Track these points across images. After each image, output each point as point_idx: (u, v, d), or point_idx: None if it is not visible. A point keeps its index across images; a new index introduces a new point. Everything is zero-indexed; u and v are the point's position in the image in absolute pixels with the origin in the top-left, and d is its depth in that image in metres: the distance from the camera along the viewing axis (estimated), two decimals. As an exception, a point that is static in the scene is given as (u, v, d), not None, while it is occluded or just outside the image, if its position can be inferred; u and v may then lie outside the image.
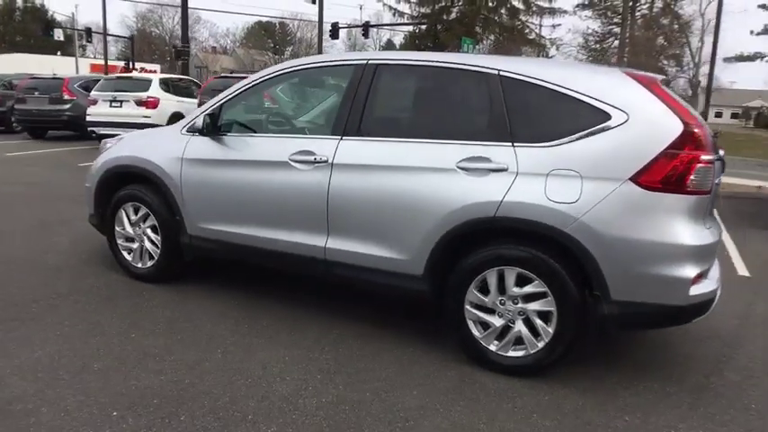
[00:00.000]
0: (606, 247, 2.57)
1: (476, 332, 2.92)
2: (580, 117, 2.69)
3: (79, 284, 3.91)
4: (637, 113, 2.61)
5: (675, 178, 2.52)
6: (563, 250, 2.67)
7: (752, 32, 31.65)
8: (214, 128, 3.45)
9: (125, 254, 4.08)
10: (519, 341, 2.84)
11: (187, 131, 3.71)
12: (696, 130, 2.57)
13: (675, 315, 2.62)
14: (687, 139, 2.54)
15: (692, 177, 2.53)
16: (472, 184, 2.80)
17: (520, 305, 2.80)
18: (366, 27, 33.51)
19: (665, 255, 2.53)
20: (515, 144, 2.76)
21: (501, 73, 2.88)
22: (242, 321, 3.40)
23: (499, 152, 2.78)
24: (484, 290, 2.87)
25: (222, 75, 15.05)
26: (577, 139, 2.66)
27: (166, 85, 11.57)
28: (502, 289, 2.82)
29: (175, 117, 11.60)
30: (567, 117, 2.72)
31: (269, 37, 63.23)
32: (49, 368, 2.77)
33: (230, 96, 3.59)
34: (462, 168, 2.83)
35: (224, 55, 62.46)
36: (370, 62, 3.21)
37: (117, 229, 4.06)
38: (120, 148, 4.04)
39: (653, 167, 2.54)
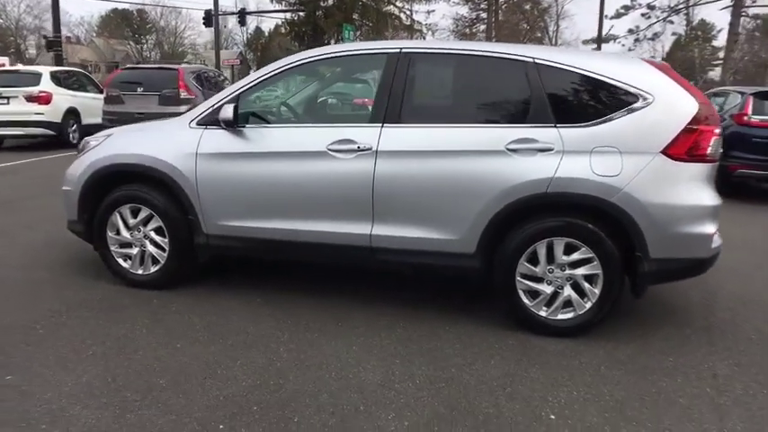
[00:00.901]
0: (646, 213, 2.93)
1: (526, 300, 3.16)
2: (613, 99, 3.02)
3: (72, 298, 3.52)
4: (660, 95, 2.99)
5: (697, 150, 2.95)
6: (608, 218, 3.00)
7: (606, 16, 35.57)
8: (236, 119, 3.28)
9: (120, 261, 3.72)
10: (567, 304, 3.13)
11: (198, 124, 3.47)
12: (707, 108, 3.01)
13: (699, 266, 3.08)
14: (702, 116, 2.97)
15: (709, 148, 2.98)
16: (522, 163, 3.01)
17: (568, 272, 3.08)
18: (242, 14, 32.23)
19: (693, 215, 2.96)
20: (558, 125, 3.03)
21: (536, 60, 3.11)
22: (282, 318, 3.31)
23: (544, 133, 3.02)
24: (533, 261, 3.11)
25: (129, 66, 13.66)
26: (613, 118, 2.99)
27: (57, 79, 10.26)
28: (550, 258, 3.09)
29: (71, 113, 10.40)
30: (602, 99, 3.04)
31: (127, 26, 58.06)
32: (109, 392, 2.52)
33: (249, 86, 3.43)
34: (511, 150, 3.03)
35: (80, 45, 56.17)
36: (403, 51, 3.26)
37: (110, 234, 3.69)
38: (111, 146, 3.65)
39: (678, 141, 2.94)
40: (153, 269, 3.67)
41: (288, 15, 35.94)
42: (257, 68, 25.60)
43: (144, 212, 3.58)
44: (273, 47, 46.84)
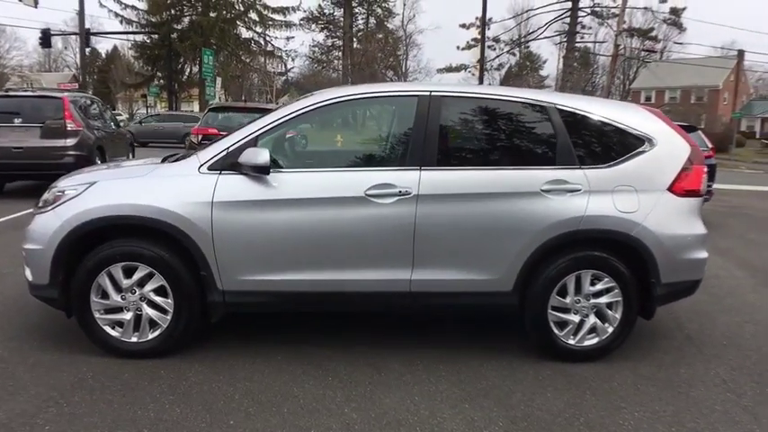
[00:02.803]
0: (660, 244, 3.30)
1: (556, 331, 3.35)
2: (625, 143, 3.38)
3: (59, 379, 2.92)
4: (661, 138, 3.42)
5: (692, 186, 3.42)
6: (627, 250, 3.32)
7: (458, 47, 38.89)
8: (271, 165, 3.01)
9: (107, 329, 3.16)
10: (591, 331, 3.39)
11: (210, 170, 3.12)
12: (695, 149, 3.52)
13: (696, 286, 3.54)
14: (693, 157, 3.46)
15: (701, 184, 3.47)
16: (556, 204, 3.22)
17: (592, 301, 3.34)
18: (87, 35, 29.26)
19: (694, 243, 3.41)
20: (583, 167, 3.30)
21: (557, 106, 3.38)
22: (319, 375, 3.09)
23: (573, 175, 3.27)
24: (561, 293, 3.33)
25: (1, 93, 11.55)
26: (627, 160, 3.35)
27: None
28: (578, 290, 3.33)
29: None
30: (616, 143, 3.39)
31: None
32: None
33: (268, 127, 3.18)
34: (545, 191, 3.23)
35: None
36: (433, 94, 3.31)
37: (94, 299, 3.12)
38: (100, 196, 3.10)
39: (679, 179, 3.38)
40: (151, 335, 3.18)
41: (137, 37, 33.52)
42: (93, 93, 23.03)
43: (142, 271, 3.10)
44: (114, 70, 43.20)
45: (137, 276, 3.12)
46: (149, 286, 3.13)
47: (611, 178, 3.31)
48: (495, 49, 34.60)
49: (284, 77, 39.45)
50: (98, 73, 42.24)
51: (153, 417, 2.61)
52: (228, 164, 3.11)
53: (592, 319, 3.37)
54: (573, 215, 3.23)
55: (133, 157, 11.32)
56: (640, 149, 3.39)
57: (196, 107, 46.42)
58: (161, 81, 32.41)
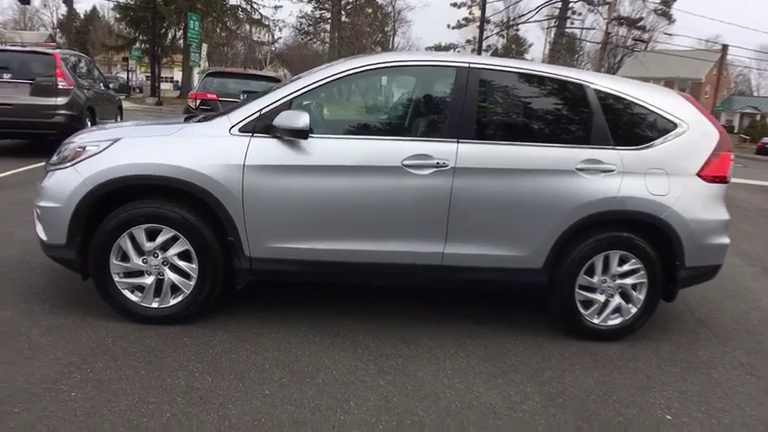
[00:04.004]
0: (687, 227, 3.31)
1: (582, 310, 3.35)
2: (657, 126, 3.36)
3: (77, 344, 2.80)
4: (693, 123, 3.40)
5: (720, 172, 3.42)
6: (655, 232, 3.32)
7: (449, 26, 38.48)
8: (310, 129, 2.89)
9: (126, 293, 3.04)
10: (615, 311, 3.40)
11: (242, 131, 2.99)
12: (724, 136, 3.51)
13: (715, 271, 3.56)
14: (722, 143, 3.46)
15: (728, 171, 3.47)
16: (590, 183, 3.18)
17: (618, 281, 3.35)
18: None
19: (719, 229, 3.42)
20: (617, 148, 3.27)
21: (594, 85, 3.32)
22: (347, 346, 3.03)
23: (607, 155, 3.23)
24: (589, 272, 3.32)
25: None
26: (660, 143, 3.32)
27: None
28: (605, 270, 3.32)
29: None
30: (649, 125, 3.35)
31: None
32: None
33: (304, 90, 3.05)
34: (580, 170, 3.19)
35: None
36: (472, 66, 3.21)
37: (114, 261, 2.99)
38: (123, 153, 2.94)
39: (707, 165, 3.38)
40: (173, 301, 3.07)
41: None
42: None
43: (166, 234, 2.98)
44: (93, 31, 41.54)
45: (160, 240, 2.99)
46: (173, 250, 3.01)
47: (643, 160, 3.29)
48: (485, 29, 34.33)
49: (271, 47, 38.56)
50: (76, 34, 40.56)
51: (184, 385, 2.52)
52: (261, 126, 2.99)
53: (617, 300, 3.38)
54: (606, 195, 3.20)
55: (121, 119, 10.95)
56: (673, 133, 3.36)
57: (178, 74, 45.23)
58: (143, 45, 31.37)
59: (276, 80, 9.04)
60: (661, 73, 43.73)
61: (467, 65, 3.22)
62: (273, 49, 42.49)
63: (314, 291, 3.76)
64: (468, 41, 36.20)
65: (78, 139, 3.15)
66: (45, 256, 3.19)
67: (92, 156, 2.97)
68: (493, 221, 3.16)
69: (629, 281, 3.36)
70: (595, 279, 3.32)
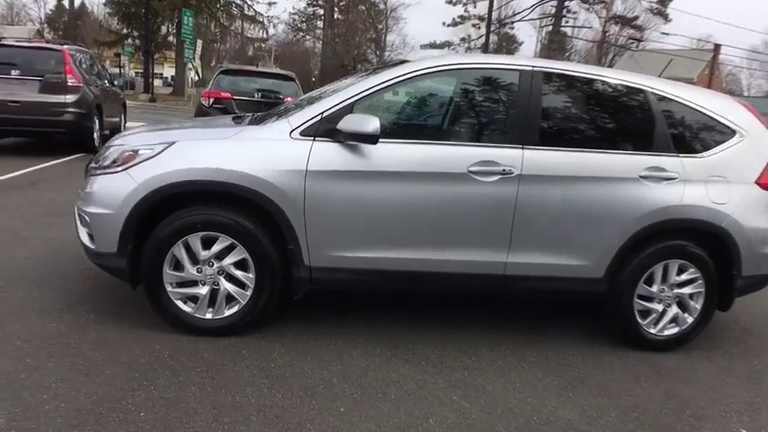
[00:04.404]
0: (746, 236, 3.26)
1: (639, 319, 3.29)
2: (717, 133, 3.31)
3: (132, 357, 2.67)
4: (750, 131, 3.36)
5: (775, 181, 3.41)
6: (713, 241, 3.27)
7: (444, 24, 38.36)
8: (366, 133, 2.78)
9: (179, 304, 2.92)
10: (672, 320, 3.34)
11: (303, 135, 2.88)
12: None
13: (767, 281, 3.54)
14: (778, 151, 3.43)
15: (783, 179, 3.45)
16: (653, 191, 3.13)
17: (676, 291, 3.30)
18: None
19: (776, 237, 3.40)
20: (679, 155, 3.21)
21: (656, 91, 3.26)
22: (409, 359, 2.93)
23: (670, 162, 3.18)
24: (648, 282, 3.27)
25: None
26: (720, 150, 3.28)
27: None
28: (663, 279, 3.27)
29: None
30: (709, 132, 3.31)
31: None
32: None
33: (366, 93, 2.95)
34: (643, 177, 3.13)
35: None
36: (535, 69, 3.13)
37: (167, 271, 2.87)
38: (180, 157, 2.82)
39: (765, 172, 3.35)
40: (228, 312, 2.96)
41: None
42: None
43: (222, 242, 2.86)
44: (81, 26, 40.66)
45: (216, 248, 2.87)
46: (230, 259, 2.89)
47: (705, 168, 3.24)
48: (479, 27, 34.35)
49: (265, 44, 38.12)
50: (64, 29, 39.64)
51: (255, 402, 2.42)
52: (323, 130, 2.88)
53: (674, 309, 3.33)
54: (669, 204, 3.14)
55: (125, 118, 10.71)
56: (732, 140, 3.32)
57: (168, 70, 44.57)
58: (136, 41, 30.79)
59: (291, 78, 8.89)
60: (652, 72, 43.96)
61: (530, 68, 3.14)
62: (263, 46, 42.09)
63: (359, 298, 3.67)
64: (462, 39, 36.17)
65: (127, 142, 3.02)
66: (81, 262, 3.08)
67: (146, 160, 2.84)
68: (557, 230, 3.08)
69: (686, 290, 3.31)
70: (654, 288, 3.27)
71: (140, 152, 2.88)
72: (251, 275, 2.92)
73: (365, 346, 3.04)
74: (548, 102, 3.16)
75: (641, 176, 3.14)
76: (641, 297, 3.28)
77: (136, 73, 37.40)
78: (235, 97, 7.78)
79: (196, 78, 28.01)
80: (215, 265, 2.90)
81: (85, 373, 2.54)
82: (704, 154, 3.27)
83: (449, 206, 2.97)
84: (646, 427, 2.55)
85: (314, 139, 2.89)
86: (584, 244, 3.13)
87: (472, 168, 2.96)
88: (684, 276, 3.29)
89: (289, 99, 8.22)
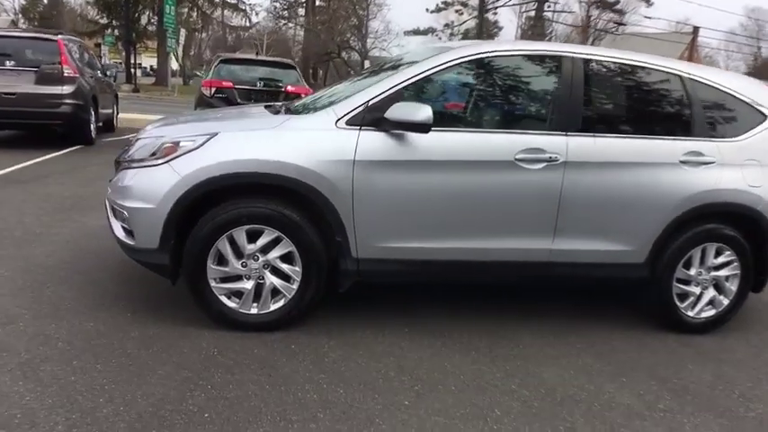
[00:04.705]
0: (780, 218, 3.32)
1: (678, 303, 3.32)
2: (749, 117, 3.33)
3: (184, 356, 2.59)
4: (781, 114, 3.40)
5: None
6: (750, 224, 3.29)
7: (427, 10, 38.13)
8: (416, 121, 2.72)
9: (223, 299, 2.85)
10: (709, 303, 3.37)
11: (349, 125, 2.80)
12: None
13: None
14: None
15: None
16: (692, 175, 3.14)
17: (713, 273, 3.33)
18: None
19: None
20: (715, 139, 3.22)
21: (691, 76, 3.26)
22: (462, 348, 2.91)
23: (707, 146, 3.19)
24: (686, 265, 3.28)
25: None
26: (753, 134, 3.30)
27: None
28: (701, 262, 3.30)
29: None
30: (742, 116, 3.32)
31: None
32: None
33: (410, 81, 2.88)
34: (683, 162, 3.14)
35: None
36: (576, 56, 3.09)
37: (211, 266, 2.78)
38: (224, 148, 2.72)
39: (794, 154, 3.38)
40: (273, 306, 2.89)
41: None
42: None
43: (268, 235, 2.78)
44: (57, 16, 39.26)
45: (261, 242, 2.80)
46: (275, 252, 2.82)
47: (740, 151, 3.26)
48: (461, 13, 34.30)
49: (247, 33, 37.42)
50: (39, 20, 38.20)
51: (318, 399, 2.37)
52: (369, 119, 2.81)
53: (711, 292, 3.36)
54: (708, 188, 3.16)
55: (117, 109, 10.42)
56: (765, 124, 3.34)
57: (147, 60, 43.52)
58: (116, 31, 29.93)
59: (291, 66, 8.73)
60: (632, 58, 44.20)
61: (571, 54, 3.11)
62: (244, 35, 41.32)
63: (393, 287, 3.63)
64: (446, 25, 36.04)
65: (165, 134, 2.91)
66: (104, 259, 3.01)
67: (189, 152, 2.74)
68: (601, 216, 3.08)
69: (722, 273, 3.34)
70: (692, 272, 3.30)
71: (182, 144, 2.77)
72: (297, 268, 2.86)
73: (412, 336, 3.01)
74: (589, 88, 3.13)
75: (681, 161, 3.14)
76: (680, 281, 3.30)
77: (116, 63, 36.46)
78: (236, 86, 7.61)
79: (177, 68, 27.43)
80: (260, 259, 2.83)
81: (137, 374, 2.46)
82: (738, 138, 3.29)
83: (496, 194, 2.93)
84: (703, 409, 2.57)
85: (360, 129, 2.81)
86: (627, 229, 3.13)
87: (519, 156, 2.93)
88: (721, 259, 3.32)
89: (290, 88, 8.11)
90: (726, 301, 3.39)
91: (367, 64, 38.84)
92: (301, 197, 2.79)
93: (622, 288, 3.64)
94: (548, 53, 3.13)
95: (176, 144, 2.79)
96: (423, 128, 2.72)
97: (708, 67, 3.48)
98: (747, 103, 3.36)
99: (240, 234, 2.78)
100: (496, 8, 34.67)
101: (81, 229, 4.39)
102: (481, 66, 3.02)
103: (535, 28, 30.85)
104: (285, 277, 2.88)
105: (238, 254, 2.81)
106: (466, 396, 2.50)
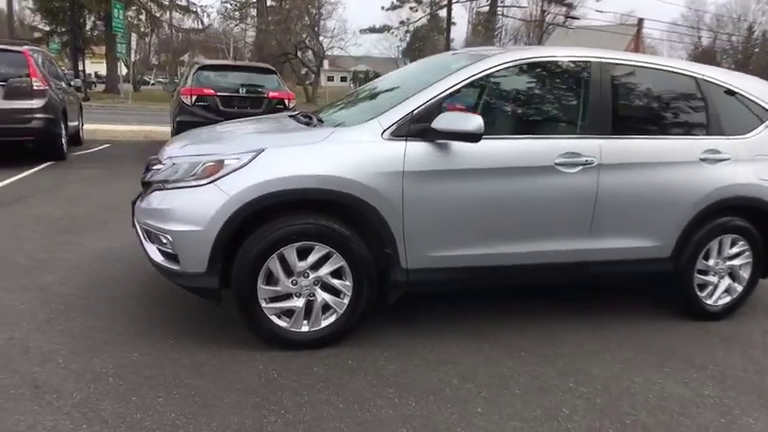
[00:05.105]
0: (786, 208, 3.55)
1: (698, 292, 3.50)
2: (756, 114, 3.54)
3: (249, 381, 2.55)
4: (781, 111, 3.63)
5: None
6: (761, 215, 3.50)
7: (383, 8, 38.15)
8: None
9: (274, 319, 2.79)
10: (725, 291, 3.56)
11: (394, 136, 2.80)
12: None
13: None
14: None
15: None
16: (711, 172, 3.32)
17: (728, 263, 3.52)
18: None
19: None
20: (729, 137, 3.41)
21: (705, 77, 3.43)
22: (509, 351, 2.97)
23: (723, 144, 3.37)
24: (705, 257, 3.46)
25: None
26: (761, 130, 3.51)
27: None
28: (718, 253, 3.48)
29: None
30: (750, 114, 3.53)
31: None
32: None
33: (450, 90, 2.91)
34: (703, 160, 3.31)
35: None
36: (602, 60, 3.21)
37: (261, 286, 2.73)
38: (274, 165, 2.67)
39: (794, 147, 3.62)
40: (324, 322, 2.86)
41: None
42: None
43: (319, 252, 2.76)
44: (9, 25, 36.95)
45: (312, 258, 2.77)
46: (326, 268, 2.79)
47: (751, 147, 3.46)
48: (416, 10, 34.59)
49: (198, 35, 36.38)
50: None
51: (394, 414, 2.37)
52: (415, 129, 2.82)
53: (726, 281, 3.56)
54: (725, 183, 3.35)
55: (83, 120, 9.95)
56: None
57: (93, 67, 41.64)
58: (63, 37, 28.43)
59: (272, 71, 8.58)
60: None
61: (598, 59, 3.22)
62: (191, 37, 40.19)
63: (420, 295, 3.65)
64: (401, 23, 36.22)
65: (203, 152, 2.83)
66: (124, 282, 2.92)
67: (235, 170, 2.67)
68: (632, 215, 3.21)
69: (737, 262, 3.54)
70: (711, 263, 3.48)
71: (227, 162, 2.70)
72: (348, 283, 2.85)
73: (458, 342, 3.06)
74: (616, 91, 3.25)
75: (701, 159, 3.31)
76: (700, 272, 3.48)
77: (63, 71, 34.75)
78: (218, 94, 7.43)
79: (125, 73, 26.34)
80: (311, 276, 2.80)
81: (203, 404, 2.39)
82: (748, 135, 3.50)
83: (538, 199, 3.01)
84: (744, 392, 2.72)
85: (406, 140, 2.83)
86: (655, 226, 3.28)
87: (558, 160, 3.01)
88: (735, 249, 3.52)
89: (273, 93, 7.98)
90: (740, 288, 3.60)
91: (326, 65, 38.52)
92: (352, 211, 2.78)
93: (648, 283, 3.78)
94: (578, 59, 3.23)
95: (220, 163, 2.72)
96: (474, 137, 2.75)
97: (717, 68, 3.68)
98: (755, 102, 3.57)
99: (291, 252, 2.74)
100: (451, 4, 35.10)
101: (86, 252, 4.20)
102: (519, 72, 3.10)
103: (488, 23, 31.48)
104: (335, 292, 2.86)
105: (288, 272, 2.78)
106: (531, 398, 2.56)
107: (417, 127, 2.83)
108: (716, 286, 3.54)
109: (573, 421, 2.41)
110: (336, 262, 2.81)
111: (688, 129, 3.40)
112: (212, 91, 7.41)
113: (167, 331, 3.01)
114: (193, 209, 2.69)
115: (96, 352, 2.76)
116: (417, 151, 2.83)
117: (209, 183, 2.69)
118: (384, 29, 35.56)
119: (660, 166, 3.23)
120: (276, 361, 2.75)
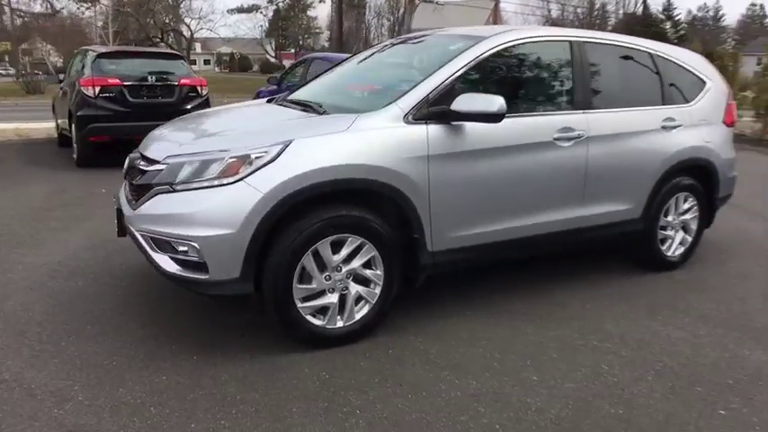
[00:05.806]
0: (722, 166, 4.06)
1: (660, 246, 3.93)
2: (695, 84, 4.01)
3: (303, 388, 2.43)
4: (714, 80, 4.13)
5: (732, 118, 4.23)
6: (704, 174, 3.99)
7: None
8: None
9: (309, 318, 2.66)
10: (681, 242, 4.03)
11: (416, 119, 2.75)
12: (729, 87, 4.29)
13: (728, 199, 4.40)
14: (729, 94, 4.25)
15: (735, 116, 4.29)
16: (670, 138, 3.73)
17: (681, 218, 3.99)
18: None
19: (733, 165, 4.25)
20: (680, 106, 3.82)
21: (657, 52, 3.81)
22: (538, 326, 3.10)
23: (676, 112, 3.79)
24: (665, 214, 3.89)
25: None
26: (701, 98, 3.99)
27: None
28: (675, 210, 3.92)
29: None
30: (691, 84, 3.98)
31: None
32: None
33: (459, 73, 2.92)
34: (663, 127, 3.69)
35: None
36: (578, 40, 3.44)
37: (297, 286, 2.60)
38: (305, 157, 2.51)
39: (726, 113, 4.15)
40: (358, 315, 2.79)
41: None
42: None
43: (352, 244, 2.66)
44: None
45: (345, 251, 2.67)
46: (359, 260, 2.72)
47: (696, 114, 3.92)
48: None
49: (49, 19, 32.03)
50: None
51: (463, 395, 2.41)
52: (432, 112, 2.81)
53: (681, 234, 4.04)
54: (681, 147, 3.78)
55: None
56: (705, 89, 4.05)
57: None
58: None
59: (179, 57, 7.87)
60: (445, 24, 47.52)
61: (574, 38, 3.45)
62: (26, 21, 35.45)
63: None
64: (270, 1, 34.99)
65: (219, 147, 2.58)
66: (125, 292, 2.63)
67: (264, 165, 2.48)
68: (613, 182, 3.51)
69: (688, 216, 4.03)
70: (670, 218, 3.92)
71: (252, 157, 2.49)
72: (379, 272, 2.79)
73: (477, 317, 3.15)
74: (591, 68, 3.49)
75: (662, 126, 3.70)
76: (662, 227, 3.91)
77: None
78: (125, 83, 6.69)
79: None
80: (343, 270, 2.70)
81: (274, 419, 2.23)
82: (692, 103, 3.95)
83: (543, 173, 3.19)
84: (729, 330, 3.11)
85: (426, 123, 2.81)
86: (630, 190, 3.62)
87: (555, 135, 3.20)
88: (686, 205, 4.00)
89: (185, 80, 7.38)
90: (689, 239, 4.10)
91: (198, 47, 36.07)
92: (383, 199, 2.72)
93: (622, 243, 4.08)
94: (560, 38, 3.43)
95: (245, 158, 2.51)
96: (497, 118, 2.81)
97: (663, 43, 4.08)
98: (694, 73, 4.04)
99: (325, 246, 2.63)
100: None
101: (30, 270, 3.66)
102: (518, 52, 3.20)
103: (352, 1, 31.46)
104: (366, 282, 2.80)
105: (322, 267, 2.67)
106: (571, 359, 2.74)
107: (435, 110, 2.83)
108: (673, 239, 4.02)
109: (616, 375, 2.62)
110: (369, 252, 2.74)
111: (650, 100, 3.77)
112: (117, 80, 6.65)
113: (182, 347, 2.75)
114: (221, 210, 2.46)
115: (116, 383, 2.44)
116: (439, 134, 2.83)
117: (238, 180, 2.47)
118: (253, 8, 34.17)
119: (633, 135, 3.56)
120: (318, 361, 2.65)
